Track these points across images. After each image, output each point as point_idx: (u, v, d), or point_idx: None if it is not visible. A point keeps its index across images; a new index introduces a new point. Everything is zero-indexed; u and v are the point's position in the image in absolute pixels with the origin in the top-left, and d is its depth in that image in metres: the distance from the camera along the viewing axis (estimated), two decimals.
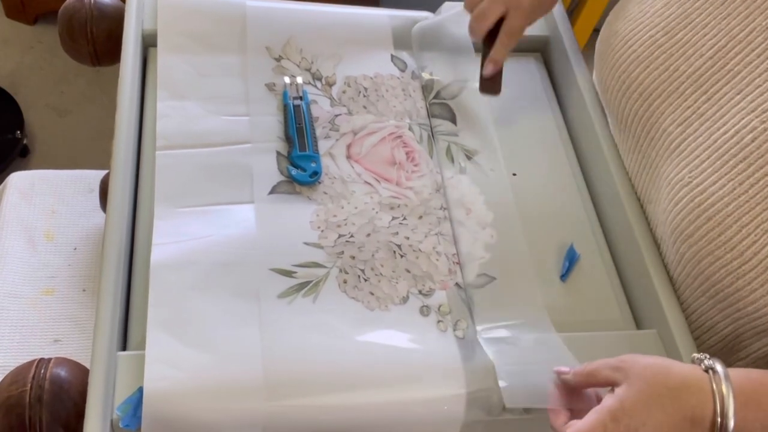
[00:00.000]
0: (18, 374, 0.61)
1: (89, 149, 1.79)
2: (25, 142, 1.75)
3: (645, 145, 0.73)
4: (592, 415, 0.56)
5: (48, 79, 1.90)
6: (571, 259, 0.75)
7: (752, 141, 0.62)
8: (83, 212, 1.14)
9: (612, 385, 0.58)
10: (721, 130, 0.65)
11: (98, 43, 0.86)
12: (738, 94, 0.64)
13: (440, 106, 0.86)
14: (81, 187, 1.16)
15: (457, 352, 0.67)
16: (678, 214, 0.67)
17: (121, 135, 0.75)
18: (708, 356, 0.57)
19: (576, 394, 0.63)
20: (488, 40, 0.82)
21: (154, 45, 0.84)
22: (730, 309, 0.66)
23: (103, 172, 1.12)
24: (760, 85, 0.63)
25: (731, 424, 0.54)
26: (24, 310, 1.03)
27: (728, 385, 0.55)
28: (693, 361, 0.58)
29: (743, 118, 0.63)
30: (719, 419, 0.54)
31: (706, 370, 0.56)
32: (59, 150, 1.80)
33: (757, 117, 0.62)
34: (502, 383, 0.64)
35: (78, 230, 1.12)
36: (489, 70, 0.82)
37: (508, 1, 0.79)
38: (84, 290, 1.06)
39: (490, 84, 0.82)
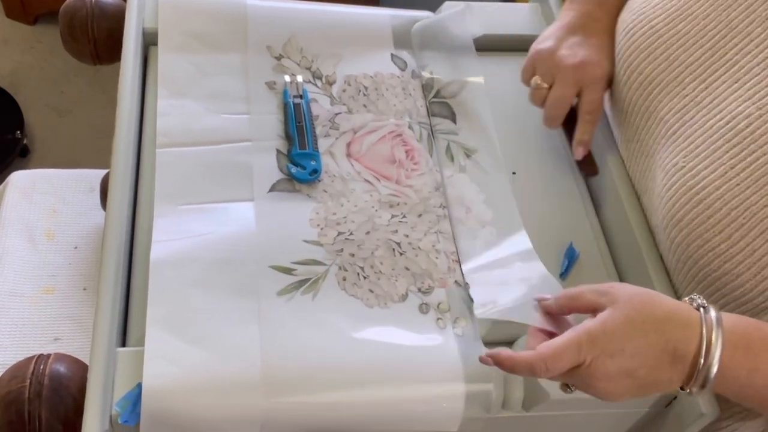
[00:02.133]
0: (17, 370, 0.62)
1: (89, 149, 1.79)
2: (25, 142, 1.76)
3: (643, 134, 0.73)
4: (569, 333, 0.54)
5: (48, 79, 1.91)
6: (570, 258, 0.75)
7: (746, 127, 0.63)
8: (84, 211, 1.14)
9: (596, 310, 0.56)
10: (717, 117, 0.65)
11: (99, 41, 0.86)
12: (735, 82, 0.65)
13: (440, 104, 0.86)
14: (82, 186, 1.16)
15: (456, 350, 0.67)
16: (670, 199, 0.68)
17: (122, 133, 0.75)
18: (701, 297, 0.56)
19: (557, 321, 0.60)
20: (565, 123, 0.80)
21: (155, 43, 0.84)
22: (718, 294, 0.66)
23: (103, 171, 1.12)
24: (758, 74, 0.63)
25: (714, 369, 0.53)
26: (24, 309, 1.03)
27: (718, 327, 0.53)
28: (685, 301, 0.57)
29: (739, 106, 0.64)
30: (702, 360, 0.53)
31: (698, 308, 0.55)
32: (59, 150, 1.80)
33: (753, 104, 0.63)
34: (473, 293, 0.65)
35: (79, 229, 1.12)
36: (580, 152, 0.78)
37: (581, 80, 0.76)
38: (84, 289, 1.06)
39: (587, 165, 0.80)
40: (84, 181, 1.17)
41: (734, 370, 0.54)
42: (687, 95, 0.68)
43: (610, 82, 0.78)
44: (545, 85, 0.78)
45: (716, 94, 0.66)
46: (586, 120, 0.78)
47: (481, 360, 0.58)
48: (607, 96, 0.81)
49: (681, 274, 0.70)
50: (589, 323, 0.55)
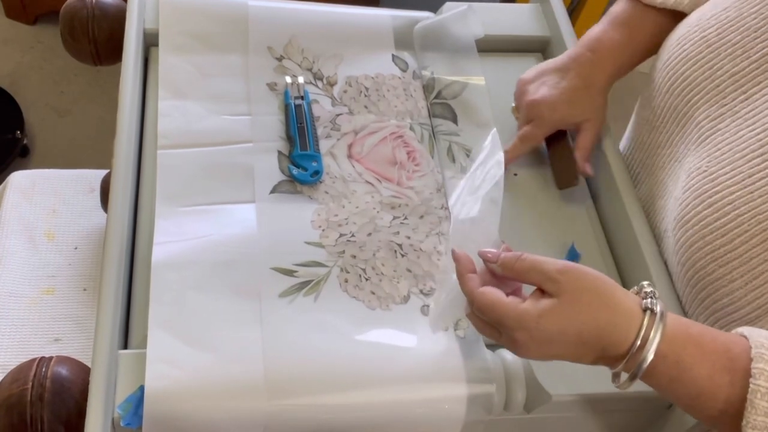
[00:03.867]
0: (19, 372, 0.61)
1: (89, 149, 1.79)
2: (25, 142, 1.76)
3: (677, 139, 0.74)
4: (507, 302, 0.55)
5: (48, 79, 1.91)
6: (572, 259, 0.75)
7: None
8: (84, 212, 1.14)
9: (540, 289, 0.55)
10: (750, 128, 0.65)
11: (100, 42, 0.86)
12: None
13: (441, 105, 0.86)
14: (82, 187, 1.16)
15: (458, 352, 0.67)
16: (685, 200, 0.68)
17: (123, 134, 0.75)
18: (655, 293, 0.54)
19: (499, 279, 0.59)
20: (550, 143, 0.84)
21: (156, 44, 0.84)
22: (708, 300, 0.66)
23: (104, 172, 1.12)
24: None
25: (643, 368, 0.52)
26: (25, 310, 1.03)
27: (657, 330, 0.52)
28: (638, 291, 0.55)
29: None
30: (633, 357, 0.52)
31: (645, 310, 0.53)
32: (59, 150, 1.80)
33: None
34: None
35: (79, 230, 1.12)
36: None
37: (530, 115, 0.80)
38: (85, 290, 1.06)
39: (561, 179, 0.82)
40: (84, 182, 1.17)
41: (654, 375, 0.53)
42: (726, 104, 0.68)
43: (554, 129, 0.81)
44: (517, 114, 0.84)
45: (754, 106, 0.66)
46: (516, 143, 0.81)
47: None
48: (647, 101, 0.80)
49: (678, 277, 0.70)
50: (527, 307, 0.54)
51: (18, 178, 1.15)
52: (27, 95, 1.85)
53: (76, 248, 1.10)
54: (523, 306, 0.55)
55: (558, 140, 0.83)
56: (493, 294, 0.56)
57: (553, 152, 0.83)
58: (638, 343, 0.52)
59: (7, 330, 1.00)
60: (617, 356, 0.53)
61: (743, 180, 0.63)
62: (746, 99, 0.67)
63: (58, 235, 1.11)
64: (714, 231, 0.64)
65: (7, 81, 1.87)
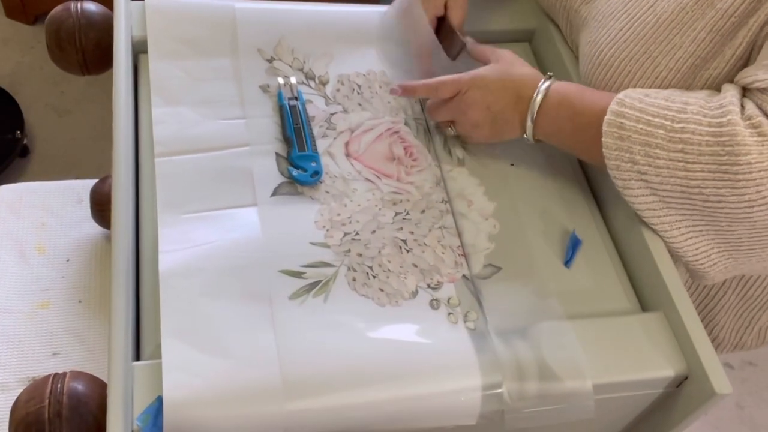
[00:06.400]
0: (34, 390, 0.61)
1: (89, 149, 1.78)
2: (25, 142, 1.75)
3: (569, 36, 0.89)
4: (458, 77, 0.78)
5: (48, 79, 1.89)
6: (574, 246, 0.76)
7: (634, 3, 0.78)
8: (73, 223, 1.13)
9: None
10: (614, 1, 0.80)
11: (87, 52, 0.85)
12: None
13: None
14: (69, 198, 1.15)
15: (470, 344, 0.67)
16: (582, 69, 0.83)
17: (120, 145, 0.74)
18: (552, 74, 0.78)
19: None
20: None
21: (144, 51, 0.83)
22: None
23: (92, 182, 1.11)
24: None
25: (536, 106, 0.75)
26: (20, 325, 1.01)
27: (548, 86, 0.76)
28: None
29: None
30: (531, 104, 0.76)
31: (547, 76, 0.77)
32: (59, 150, 1.79)
33: None
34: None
35: (69, 241, 1.11)
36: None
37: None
38: (80, 301, 1.05)
39: (452, 49, 0.87)
40: (71, 193, 1.15)
41: (551, 118, 0.76)
42: None
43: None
44: None
45: None
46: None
47: (391, 91, 0.82)
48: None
49: None
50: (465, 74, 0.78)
51: (3, 192, 1.13)
52: (27, 95, 1.84)
53: (68, 260, 1.09)
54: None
55: (441, 23, 0.88)
56: (440, 77, 0.79)
57: (438, 34, 0.87)
58: (540, 84, 0.76)
59: (3, 347, 0.99)
60: (526, 95, 0.76)
61: (615, 35, 0.78)
62: None
63: (48, 248, 1.09)
64: (607, 81, 0.78)
65: (7, 81, 1.85)
